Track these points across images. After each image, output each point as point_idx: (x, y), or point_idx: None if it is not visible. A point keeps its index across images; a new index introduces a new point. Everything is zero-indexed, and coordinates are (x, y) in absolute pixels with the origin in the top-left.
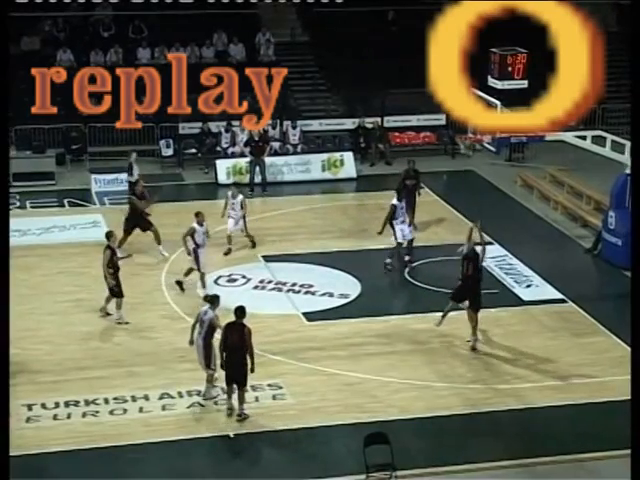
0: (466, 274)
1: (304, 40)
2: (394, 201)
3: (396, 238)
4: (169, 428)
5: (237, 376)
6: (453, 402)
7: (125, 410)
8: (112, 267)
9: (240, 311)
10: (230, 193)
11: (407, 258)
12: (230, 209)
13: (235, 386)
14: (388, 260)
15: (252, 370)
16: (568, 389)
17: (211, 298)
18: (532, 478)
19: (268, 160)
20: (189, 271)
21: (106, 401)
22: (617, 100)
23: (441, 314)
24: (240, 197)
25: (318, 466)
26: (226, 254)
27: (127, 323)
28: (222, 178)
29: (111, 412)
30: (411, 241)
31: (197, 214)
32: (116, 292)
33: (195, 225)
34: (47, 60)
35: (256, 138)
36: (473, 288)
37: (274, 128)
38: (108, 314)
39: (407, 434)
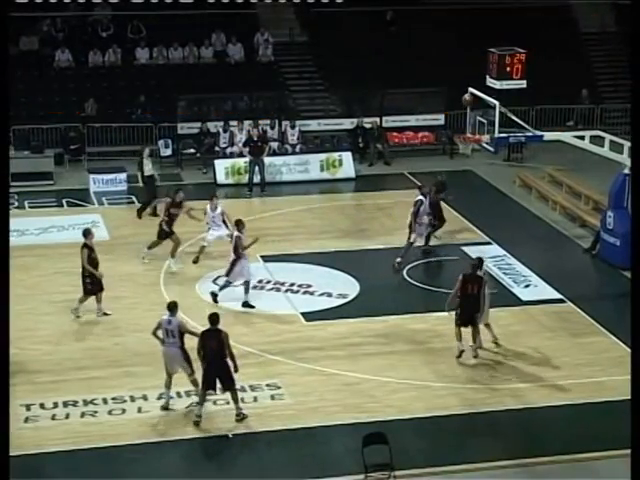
0: (469, 292)
1: (302, 40)
2: (420, 196)
3: (409, 238)
4: (168, 428)
5: (222, 380)
6: (452, 402)
7: (124, 410)
8: (90, 264)
9: (215, 317)
10: (209, 206)
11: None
12: (211, 221)
13: (223, 391)
14: (399, 259)
15: (236, 370)
16: (566, 389)
17: (170, 305)
18: (531, 478)
19: (267, 160)
20: (247, 285)
21: (104, 401)
22: (615, 100)
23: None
24: (220, 209)
25: (316, 466)
26: (195, 262)
27: (78, 317)
28: (221, 178)
29: (109, 412)
30: (429, 234)
31: (238, 222)
32: (89, 290)
33: (239, 233)
34: (45, 60)
35: (255, 138)
36: (475, 307)
37: (272, 128)
38: (106, 314)
39: (406, 434)
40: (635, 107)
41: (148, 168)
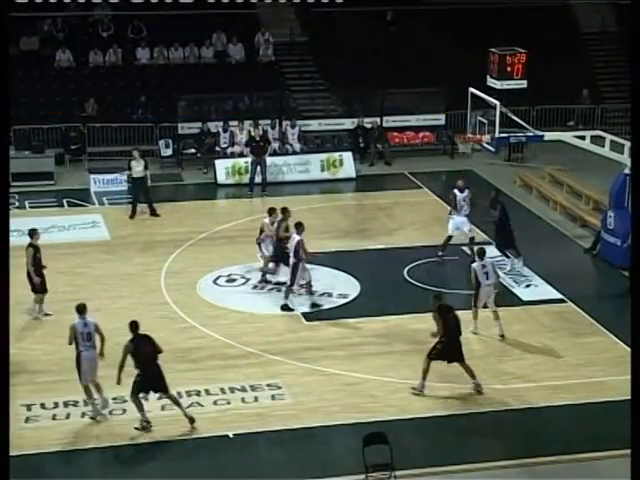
0: (450, 324)
1: (303, 40)
2: (455, 191)
3: (448, 230)
4: (168, 428)
5: (158, 385)
6: (452, 402)
7: (124, 410)
8: (35, 264)
9: (135, 324)
10: (268, 220)
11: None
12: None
13: (159, 395)
14: (440, 253)
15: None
16: (567, 389)
17: (79, 307)
18: (531, 478)
19: (268, 160)
20: (309, 287)
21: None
22: (616, 100)
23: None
24: (276, 224)
25: (317, 466)
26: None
27: (49, 314)
28: (221, 178)
29: (110, 412)
30: (472, 238)
31: (298, 225)
32: (39, 289)
33: (300, 237)
34: (46, 60)
35: (257, 138)
36: (458, 341)
37: (273, 128)
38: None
39: (406, 434)
40: (635, 107)
41: (137, 170)
